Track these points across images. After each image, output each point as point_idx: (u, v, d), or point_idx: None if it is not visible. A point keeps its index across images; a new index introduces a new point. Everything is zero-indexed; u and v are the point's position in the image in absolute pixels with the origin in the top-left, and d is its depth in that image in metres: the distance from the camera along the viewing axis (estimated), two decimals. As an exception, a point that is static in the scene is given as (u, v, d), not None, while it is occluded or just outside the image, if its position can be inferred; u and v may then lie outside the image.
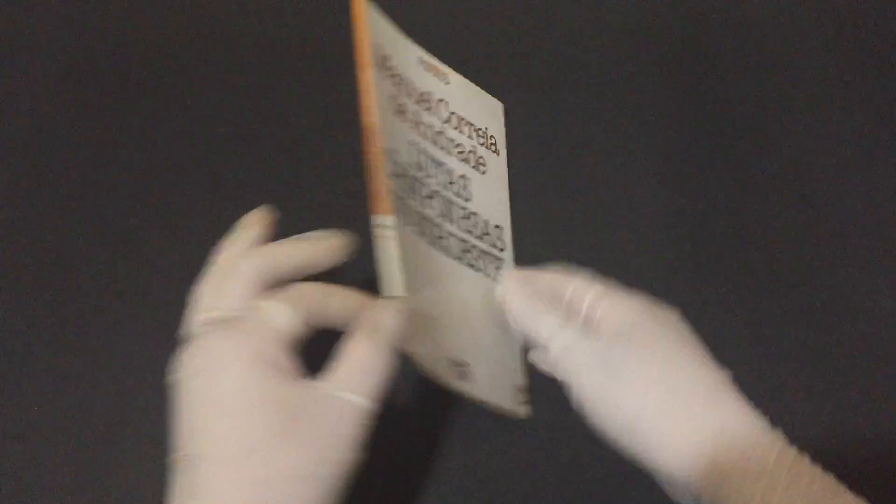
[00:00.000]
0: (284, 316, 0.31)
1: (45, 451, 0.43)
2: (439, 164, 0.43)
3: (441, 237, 0.42)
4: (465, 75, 0.54)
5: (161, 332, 0.46)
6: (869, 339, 0.47)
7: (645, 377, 0.35)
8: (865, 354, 0.47)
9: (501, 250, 0.45)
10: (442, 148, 0.44)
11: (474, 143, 0.46)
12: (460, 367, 0.40)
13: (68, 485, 0.42)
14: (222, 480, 0.28)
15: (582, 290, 0.38)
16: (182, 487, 0.29)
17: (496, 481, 0.43)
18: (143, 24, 0.56)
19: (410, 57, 0.45)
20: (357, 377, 0.31)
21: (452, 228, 0.42)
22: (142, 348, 0.45)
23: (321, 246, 0.34)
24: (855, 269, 0.49)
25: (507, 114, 0.48)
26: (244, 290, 0.32)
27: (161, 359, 0.45)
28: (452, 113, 0.46)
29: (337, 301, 0.33)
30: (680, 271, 0.48)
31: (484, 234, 0.44)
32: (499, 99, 0.53)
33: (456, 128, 0.46)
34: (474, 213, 0.44)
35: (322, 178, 0.51)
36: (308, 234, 0.35)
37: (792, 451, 0.33)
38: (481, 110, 0.48)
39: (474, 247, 0.43)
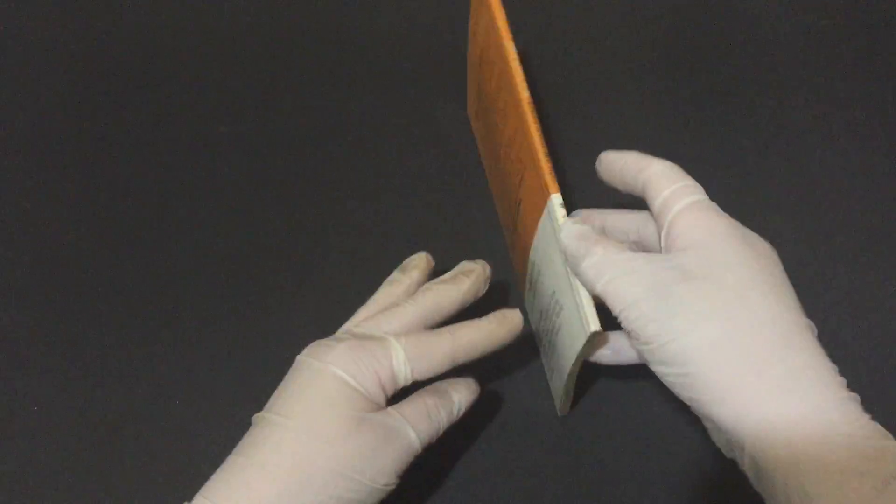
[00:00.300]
0: (402, 363, 0.35)
1: (45, 450, 0.43)
2: None
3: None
4: (465, 75, 0.54)
5: (161, 331, 0.46)
6: (869, 339, 0.47)
7: (702, 303, 0.30)
8: (865, 354, 0.47)
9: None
10: None
11: None
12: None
13: (68, 485, 0.42)
14: (285, 444, 0.32)
15: (670, 202, 0.33)
16: (250, 438, 0.33)
17: (497, 483, 0.43)
18: (143, 23, 0.56)
19: None
20: (424, 420, 0.35)
21: None
22: (141, 348, 0.45)
23: (472, 287, 0.38)
24: (855, 269, 0.49)
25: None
26: (394, 323, 0.36)
27: (161, 358, 0.45)
28: None
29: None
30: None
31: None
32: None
33: None
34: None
35: (322, 177, 0.51)
36: (457, 270, 0.39)
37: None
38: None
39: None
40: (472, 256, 0.40)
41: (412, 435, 0.34)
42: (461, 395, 0.37)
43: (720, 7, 0.57)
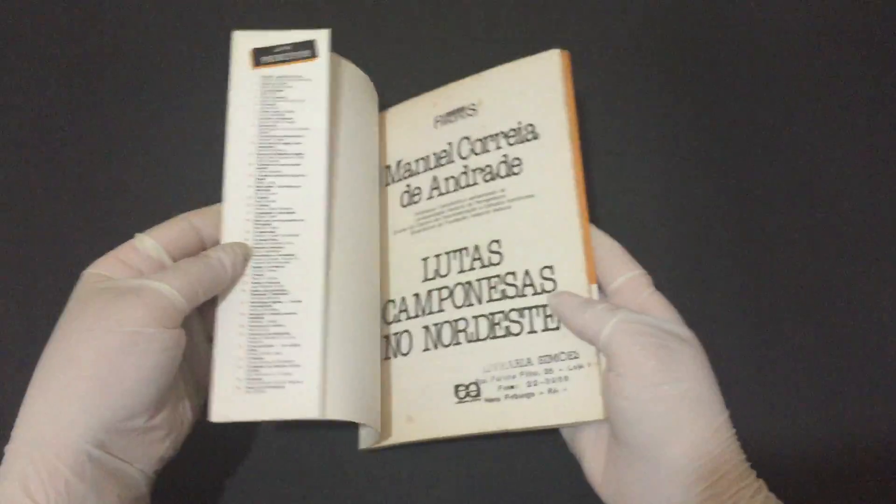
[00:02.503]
0: (141, 239, 0.37)
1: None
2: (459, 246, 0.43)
3: (460, 330, 0.42)
4: (463, 76, 0.54)
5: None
6: (869, 339, 0.47)
7: (689, 373, 0.35)
8: (865, 354, 0.47)
9: (553, 286, 0.41)
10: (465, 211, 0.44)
11: (503, 150, 0.44)
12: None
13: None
14: (40, 358, 0.34)
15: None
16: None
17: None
18: (143, 23, 0.56)
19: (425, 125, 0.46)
20: (174, 275, 0.35)
21: (477, 310, 0.42)
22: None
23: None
24: (855, 269, 0.49)
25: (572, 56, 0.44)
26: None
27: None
28: (475, 142, 0.45)
29: (210, 220, 0.39)
30: (680, 271, 0.48)
31: (526, 286, 0.41)
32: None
33: (480, 153, 0.45)
34: (510, 273, 0.42)
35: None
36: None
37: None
38: (521, 92, 0.45)
39: (511, 310, 0.41)
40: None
41: (155, 285, 0.34)
42: (221, 252, 0.37)
43: (720, 6, 0.57)
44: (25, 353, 0.45)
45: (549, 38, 0.55)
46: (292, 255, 0.39)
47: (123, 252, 0.37)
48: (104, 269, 0.36)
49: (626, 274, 0.39)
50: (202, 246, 0.39)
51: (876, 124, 0.53)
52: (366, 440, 0.42)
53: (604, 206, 0.50)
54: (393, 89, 0.50)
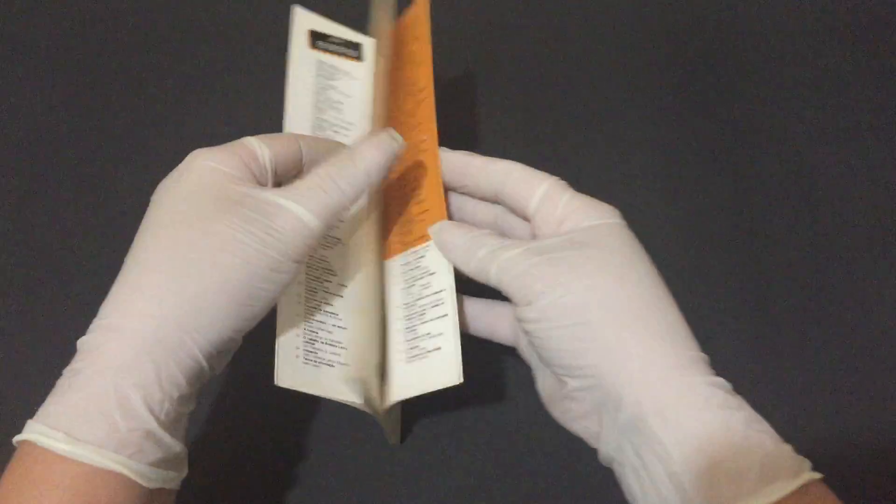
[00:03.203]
0: (260, 146, 0.33)
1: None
2: None
3: None
4: (462, 76, 0.54)
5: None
6: (869, 339, 0.47)
7: (593, 264, 0.31)
8: (865, 354, 0.47)
9: None
10: None
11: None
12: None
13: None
14: (161, 234, 0.30)
15: (554, 192, 0.34)
16: (133, 246, 0.31)
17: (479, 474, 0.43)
18: (143, 23, 0.56)
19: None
20: (307, 194, 0.31)
21: None
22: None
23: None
24: (855, 269, 0.49)
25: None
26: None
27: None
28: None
29: (317, 146, 0.34)
30: (680, 271, 0.48)
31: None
32: (500, 98, 0.53)
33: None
34: None
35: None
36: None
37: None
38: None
39: None
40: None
41: (301, 211, 0.31)
42: (366, 155, 0.33)
43: (720, 7, 0.57)
44: (25, 351, 0.46)
45: (548, 35, 0.56)
46: (339, 238, 0.38)
47: (243, 152, 0.32)
48: (224, 165, 0.32)
49: (538, 190, 0.34)
50: (301, 168, 0.35)
51: (876, 124, 0.53)
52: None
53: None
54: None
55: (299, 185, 0.32)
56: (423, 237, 0.36)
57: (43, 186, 0.51)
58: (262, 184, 0.33)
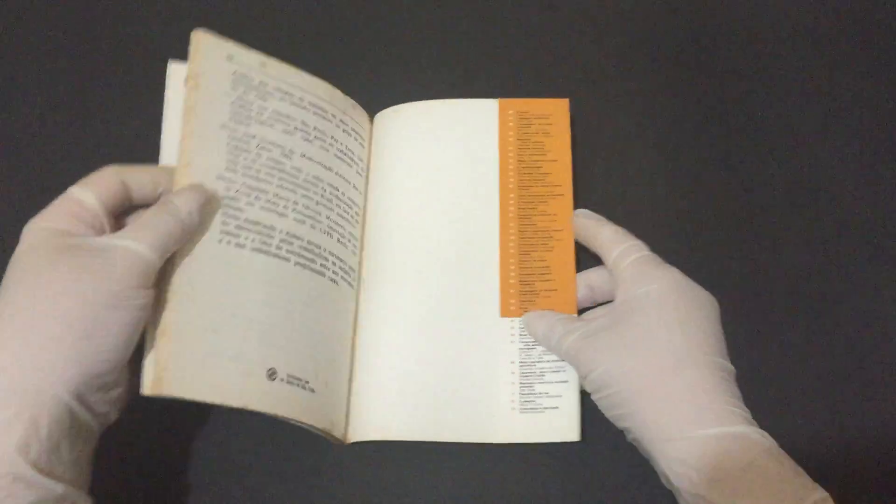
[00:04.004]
0: (83, 193, 0.36)
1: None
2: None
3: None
4: (463, 75, 0.54)
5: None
6: (869, 339, 0.47)
7: (616, 340, 0.39)
8: (865, 354, 0.47)
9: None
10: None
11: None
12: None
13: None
14: (5, 295, 0.33)
15: (622, 256, 0.42)
16: None
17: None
18: (142, 23, 0.56)
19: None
20: (135, 229, 0.35)
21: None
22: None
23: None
24: (855, 269, 0.49)
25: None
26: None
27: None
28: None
29: (138, 177, 0.38)
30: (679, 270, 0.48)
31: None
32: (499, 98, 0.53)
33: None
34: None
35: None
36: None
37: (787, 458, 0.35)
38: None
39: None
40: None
41: (129, 244, 0.34)
42: (182, 197, 0.37)
43: (720, 6, 0.57)
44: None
45: (548, 33, 0.56)
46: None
47: (68, 205, 0.36)
48: (53, 223, 0.35)
49: (614, 253, 0.42)
50: (131, 199, 0.38)
51: (876, 124, 0.53)
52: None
53: (604, 206, 0.50)
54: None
55: (130, 225, 0.37)
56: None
57: (43, 187, 0.51)
58: (95, 227, 0.36)
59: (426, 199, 0.46)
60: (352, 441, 0.42)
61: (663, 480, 0.38)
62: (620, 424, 0.39)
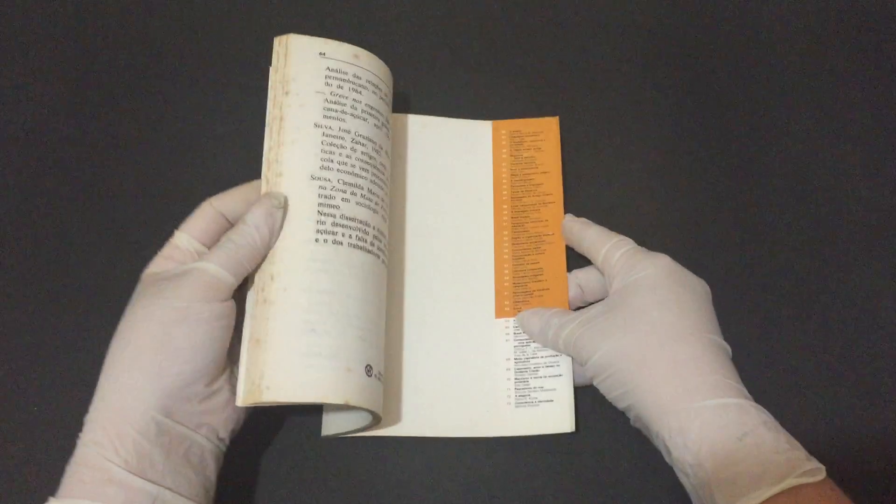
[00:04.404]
0: (180, 238, 0.40)
1: (45, 450, 0.43)
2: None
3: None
4: (463, 75, 0.54)
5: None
6: (869, 339, 0.47)
7: (611, 324, 0.40)
8: (865, 354, 0.47)
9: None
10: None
11: None
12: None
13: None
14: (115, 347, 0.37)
15: (611, 251, 0.43)
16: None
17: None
18: (142, 23, 0.56)
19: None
20: (214, 252, 0.38)
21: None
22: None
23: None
24: (855, 269, 0.49)
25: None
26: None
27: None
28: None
29: (231, 205, 0.41)
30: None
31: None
32: (499, 99, 0.53)
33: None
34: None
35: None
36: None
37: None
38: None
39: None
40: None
41: (200, 265, 0.37)
42: (253, 214, 0.39)
43: (720, 7, 0.57)
44: (26, 350, 0.46)
45: (548, 35, 0.56)
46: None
47: (167, 251, 0.40)
48: (155, 268, 0.40)
49: (602, 250, 0.44)
50: (229, 224, 0.41)
51: (876, 124, 0.53)
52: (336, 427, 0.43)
53: (604, 206, 0.50)
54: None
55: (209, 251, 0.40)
56: None
57: (43, 186, 0.51)
58: (176, 258, 0.40)
59: (425, 207, 0.48)
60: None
61: (664, 455, 0.38)
62: (622, 405, 0.40)
